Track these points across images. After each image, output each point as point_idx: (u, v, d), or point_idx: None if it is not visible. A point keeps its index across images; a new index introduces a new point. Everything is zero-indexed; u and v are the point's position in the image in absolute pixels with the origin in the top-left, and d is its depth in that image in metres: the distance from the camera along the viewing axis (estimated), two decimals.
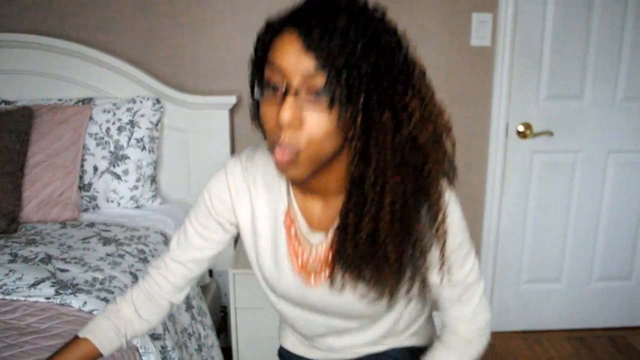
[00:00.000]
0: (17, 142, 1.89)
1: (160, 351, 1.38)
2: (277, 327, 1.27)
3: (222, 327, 2.31)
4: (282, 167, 0.80)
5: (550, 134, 2.34)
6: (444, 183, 0.86)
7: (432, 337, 1.14)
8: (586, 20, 2.25)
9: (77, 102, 2.11)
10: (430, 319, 1.16)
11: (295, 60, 0.74)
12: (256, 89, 0.81)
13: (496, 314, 2.54)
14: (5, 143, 1.87)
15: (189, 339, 1.68)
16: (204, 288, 2.17)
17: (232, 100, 2.16)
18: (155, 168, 2.15)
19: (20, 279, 1.43)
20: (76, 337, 0.98)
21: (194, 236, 1.00)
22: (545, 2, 2.22)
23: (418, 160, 0.79)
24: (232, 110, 2.22)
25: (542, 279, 2.55)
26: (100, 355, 0.97)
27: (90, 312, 1.32)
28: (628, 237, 2.52)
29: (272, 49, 0.77)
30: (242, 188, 0.96)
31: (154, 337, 1.38)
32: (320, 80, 0.73)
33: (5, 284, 1.41)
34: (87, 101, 2.11)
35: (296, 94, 0.74)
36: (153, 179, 2.14)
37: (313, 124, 0.75)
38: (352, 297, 0.92)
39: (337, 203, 0.88)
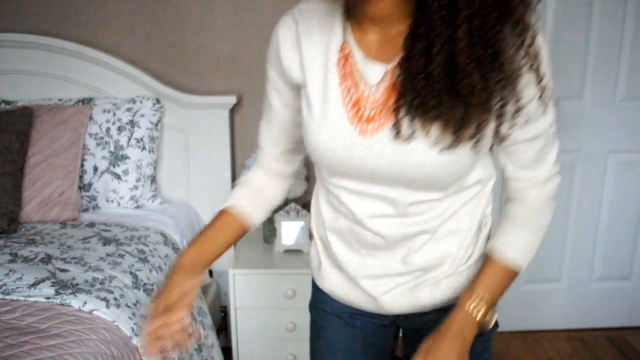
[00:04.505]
0: (17, 142, 1.89)
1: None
2: (313, 266, 1.12)
3: (222, 327, 2.31)
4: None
5: None
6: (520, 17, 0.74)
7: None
8: (586, 20, 2.24)
9: (77, 102, 2.11)
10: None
11: None
12: None
13: (496, 314, 2.54)
14: (5, 143, 1.87)
15: (189, 339, 1.68)
16: (204, 288, 2.17)
17: (232, 100, 2.16)
18: (155, 168, 2.15)
19: (20, 279, 1.43)
20: (220, 211, 1.00)
21: (273, 102, 0.98)
22: (545, 2, 2.22)
23: None
24: (232, 110, 2.22)
25: (542, 279, 2.55)
26: (246, 226, 0.99)
27: (91, 312, 1.32)
28: (628, 237, 2.52)
29: None
30: (291, 31, 0.89)
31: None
32: None
33: (5, 284, 1.41)
34: (87, 101, 2.11)
35: None
36: (153, 179, 2.14)
37: None
38: (422, 144, 0.80)
39: (398, 33, 0.79)
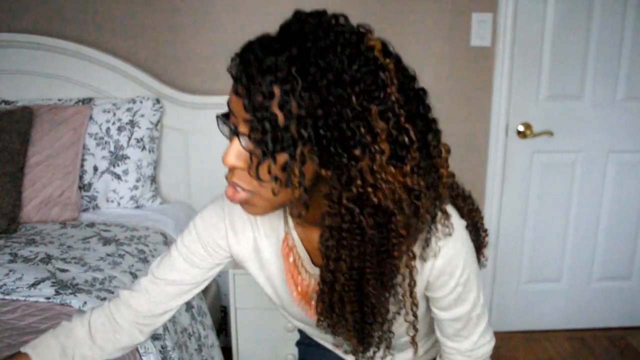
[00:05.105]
0: (17, 142, 1.89)
1: (160, 351, 1.38)
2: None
3: (222, 327, 2.31)
4: (239, 205, 0.77)
5: (550, 134, 2.34)
6: (429, 232, 0.78)
7: None
8: (586, 20, 2.24)
9: (77, 102, 2.11)
10: None
11: (235, 104, 0.70)
12: (223, 126, 0.76)
13: (496, 314, 2.54)
14: (5, 143, 1.87)
15: (189, 339, 1.68)
16: (204, 288, 2.17)
17: None
18: (155, 168, 2.15)
19: (20, 279, 1.43)
20: (17, 353, 0.88)
21: (178, 258, 0.93)
22: (545, 2, 2.22)
23: (377, 222, 0.71)
24: None
25: (542, 279, 2.55)
26: None
27: None
28: (628, 237, 2.52)
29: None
30: (241, 218, 0.90)
31: (154, 337, 1.38)
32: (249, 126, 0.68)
33: (5, 284, 1.41)
34: (87, 101, 2.11)
35: (239, 137, 0.71)
36: (153, 179, 2.14)
37: (256, 168, 0.70)
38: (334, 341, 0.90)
39: None
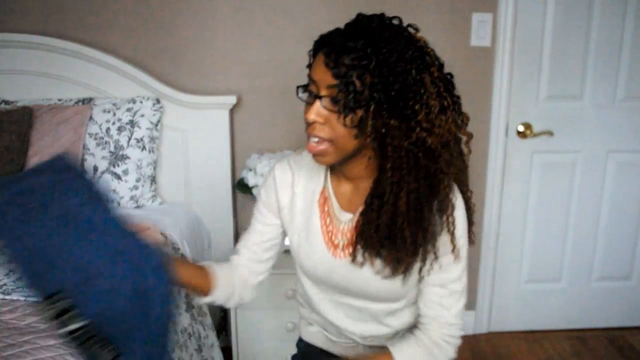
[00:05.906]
0: (17, 142, 1.89)
1: None
2: (290, 323, 1.38)
3: (222, 327, 2.31)
4: (314, 155, 1.02)
5: (550, 134, 2.34)
6: (453, 183, 1.03)
7: None
8: (586, 20, 2.25)
9: (77, 102, 2.11)
10: None
11: (321, 74, 0.95)
12: (303, 94, 1.02)
13: (496, 314, 2.54)
14: (6, 143, 1.87)
15: (189, 339, 1.68)
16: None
17: (232, 100, 2.16)
18: (155, 168, 2.15)
19: (20, 278, 1.43)
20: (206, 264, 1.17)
21: (256, 224, 1.22)
22: (545, 2, 2.22)
23: (429, 160, 0.97)
24: (232, 110, 2.22)
25: (542, 278, 2.55)
26: (207, 289, 1.13)
27: None
28: (628, 237, 2.52)
29: (312, 65, 0.99)
30: (287, 175, 1.16)
31: None
32: (335, 90, 0.93)
33: (5, 284, 1.41)
34: (87, 101, 2.11)
35: (321, 99, 0.96)
36: (153, 179, 2.14)
37: (333, 123, 0.96)
38: (369, 272, 1.08)
39: (365, 188, 1.06)
